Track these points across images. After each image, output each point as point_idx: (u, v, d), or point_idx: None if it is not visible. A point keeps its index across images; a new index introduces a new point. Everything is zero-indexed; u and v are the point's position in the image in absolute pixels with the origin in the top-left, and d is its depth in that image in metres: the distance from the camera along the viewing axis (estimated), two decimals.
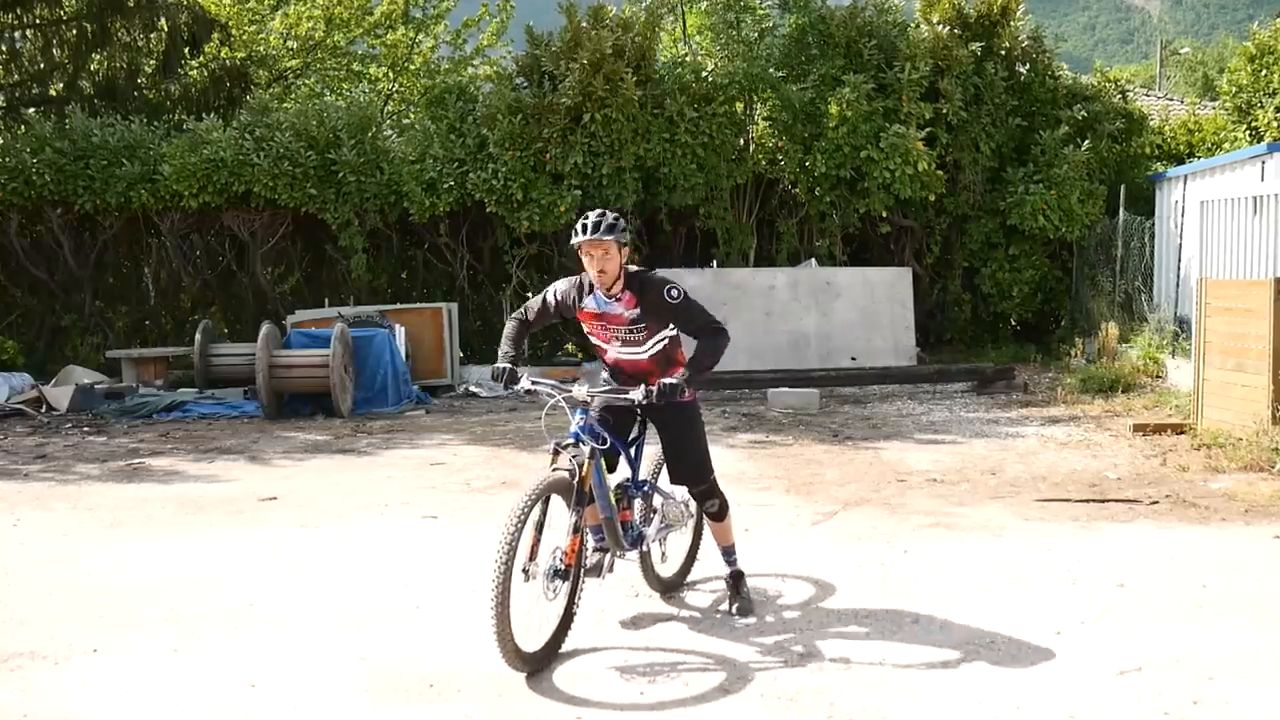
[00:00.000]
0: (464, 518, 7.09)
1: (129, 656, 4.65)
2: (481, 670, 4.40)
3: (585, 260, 4.67)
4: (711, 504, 5.08)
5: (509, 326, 4.99)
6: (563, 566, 4.44)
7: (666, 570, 5.40)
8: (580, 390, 4.66)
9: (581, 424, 4.63)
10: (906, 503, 7.31)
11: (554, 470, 4.51)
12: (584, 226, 4.62)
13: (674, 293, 4.69)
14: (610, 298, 4.75)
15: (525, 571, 4.32)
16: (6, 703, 4.19)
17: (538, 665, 4.39)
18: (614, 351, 4.92)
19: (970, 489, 7.70)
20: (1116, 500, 7.24)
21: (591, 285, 4.76)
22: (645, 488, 5.11)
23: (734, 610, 5.08)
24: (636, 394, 4.62)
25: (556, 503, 4.50)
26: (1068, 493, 7.49)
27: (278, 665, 4.52)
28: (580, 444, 4.60)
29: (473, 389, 13.56)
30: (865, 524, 6.74)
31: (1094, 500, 7.25)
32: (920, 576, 5.60)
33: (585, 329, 4.98)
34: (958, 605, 5.14)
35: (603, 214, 4.68)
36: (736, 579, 5.19)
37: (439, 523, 7.02)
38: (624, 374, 4.97)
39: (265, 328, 11.96)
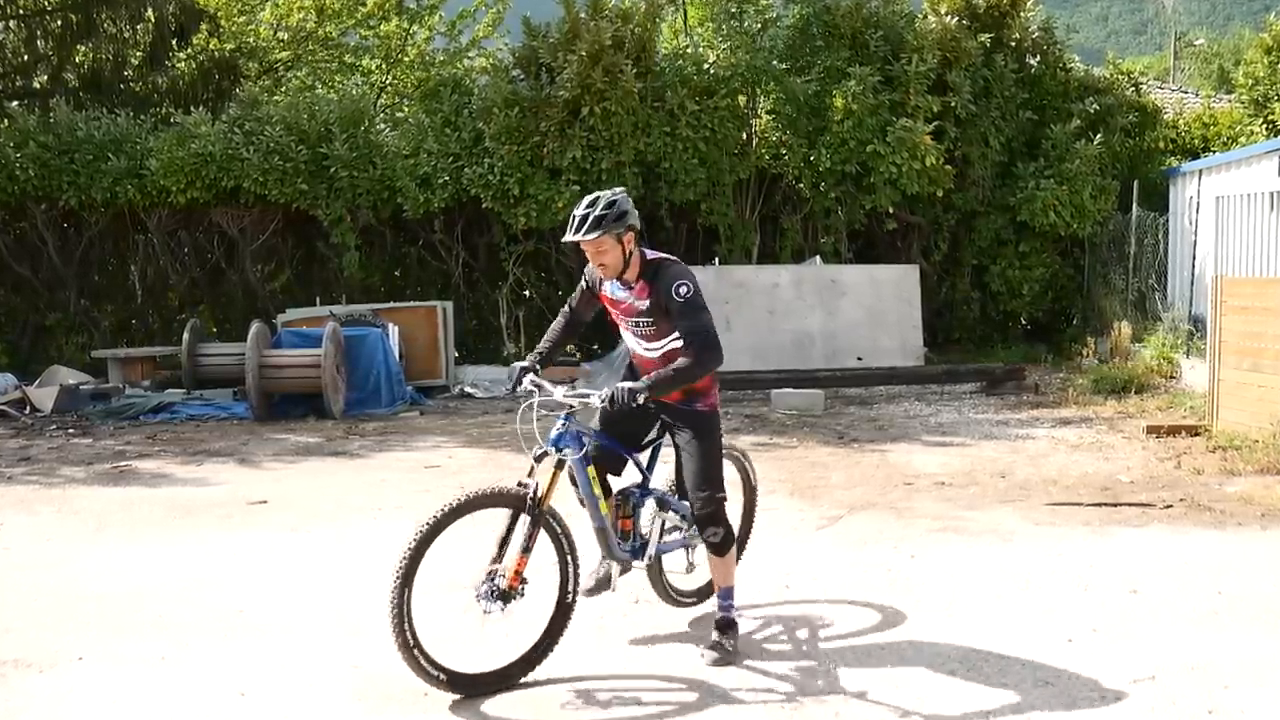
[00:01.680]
0: (459, 522, 6.88)
1: (116, 664, 4.62)
2: None
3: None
4: (713, 532, 4.49)
5: (556, 319, 4.79)
6: (502, 587, 4.15)
7: (690, 583, 5.02)
8: (558, 392, 4.37)
9: (561, 430, 4.32)
10: (914, 506, 7.24)
11: (519, 484, 4.25)
12: (571, 222, 4.28)
13: (681, 290, 4.28)
14: (624, 285, 4.44)
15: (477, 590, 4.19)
16: None
17: (479, 689, 4.17)
18: (629, 342, 4.62)
19: (979, 492, 7.63)
20: (1129, 504, 7.17)
21: None
22: (655, 495, 4.73)
23: (705, 654, 4.49)
24: (595, 398, 4.28)
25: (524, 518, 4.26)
26: (1079, 496, 7.42)
27: (268, 673, 4.49)
28: (557, 451, 4.32)
29: (468, 389, 13.47)
30: (871, 528, 6.71)
31: (1106, 504, 7.17)
32: (927, 582, 5.56)
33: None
34: (966, 612, 5.11)
35: (593, 203, 4.28)
36: (725, 626, 4.59)
37: None
38: (645, 370, 4.60)
39: (255, 327, 11.87)
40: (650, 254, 4.46)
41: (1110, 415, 10.63)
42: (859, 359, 13.57)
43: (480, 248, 15.18)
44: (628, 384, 4.20)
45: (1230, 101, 18.26)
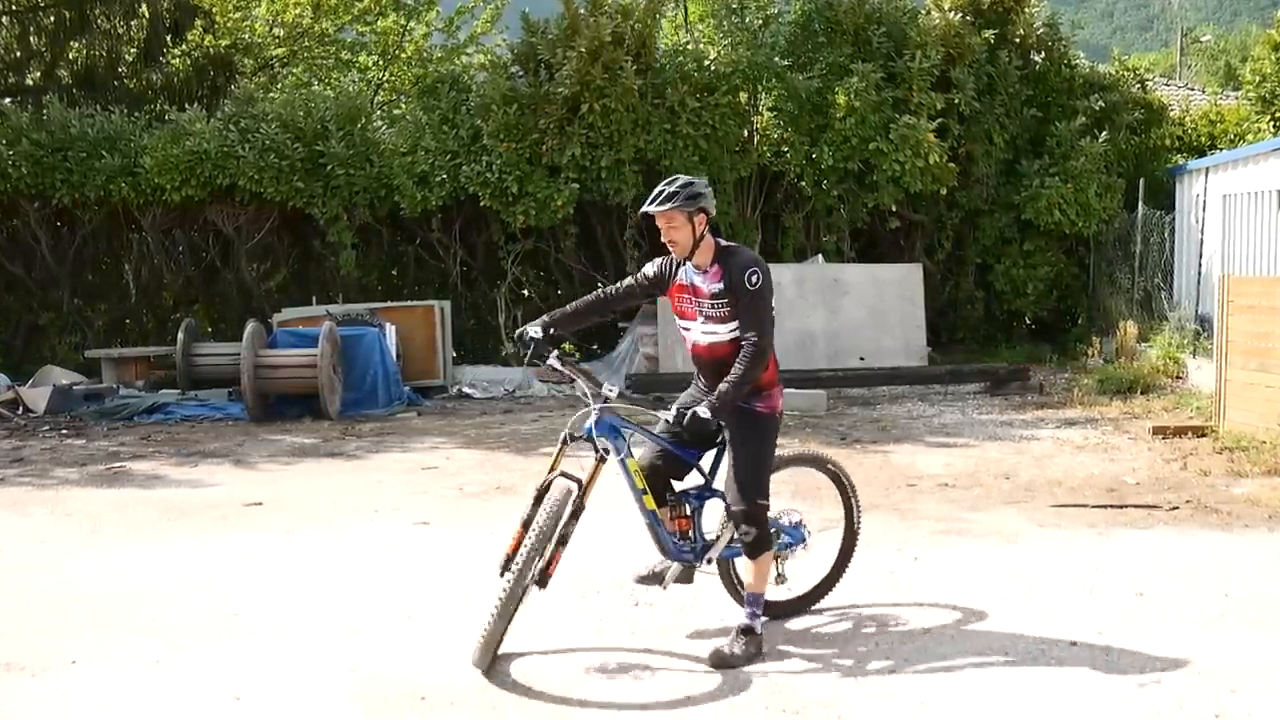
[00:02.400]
0: (457, 524, 7.00)
1: (109, 668, 4.61)
2: (475, 682, 4.36)
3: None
4: (746, 531, 4.50)
5: (589, 296, 4.86)
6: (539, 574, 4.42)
7: (776, 595, 4.89)
8: (611, 391, 4.42)
9: (598, 419, 4.39)
10: (917, 508, 7.21)
11: (560, 474, 4.39)
12: (653, 195, 4.50)
13: (753, 278, 4.44)
14: (698, 270, 4.57)
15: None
16: None
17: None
18: (697, 331, 4.62)
19: (983, 494, 7.59)
20: (1135, 506, 7.12)
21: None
22: (718, 497, 4.69)
23: (719, 652, 4.46)
24: (666, 414, 4.41)
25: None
26: (1084, 498, 7.38)
27: (263, 676, 4.48)
28: (592, 442, 4.41)
29: (466, 390, 13.40)
30: (874, 530, 6.61)
31: (1111, 506, 7.12)
32: (931, 584, 5.55)
33: (673, 308, 4.75)
34: (970, 614, 5.09)
35: (673, 180, 4.52)
36: (743, 632, 4.53)
37: (431, 529, 6.92)
38: (704, 362, 4.66)
39: (250, 326, 11.80)
40: (723, 241, 4.61)
41: (1116, 416, 10.56)
42: (861, 359, 13.46)
43: (478, 246, 15.06)
44: (698, 409, 4.34)
45: (1237, 98, 18.18)
